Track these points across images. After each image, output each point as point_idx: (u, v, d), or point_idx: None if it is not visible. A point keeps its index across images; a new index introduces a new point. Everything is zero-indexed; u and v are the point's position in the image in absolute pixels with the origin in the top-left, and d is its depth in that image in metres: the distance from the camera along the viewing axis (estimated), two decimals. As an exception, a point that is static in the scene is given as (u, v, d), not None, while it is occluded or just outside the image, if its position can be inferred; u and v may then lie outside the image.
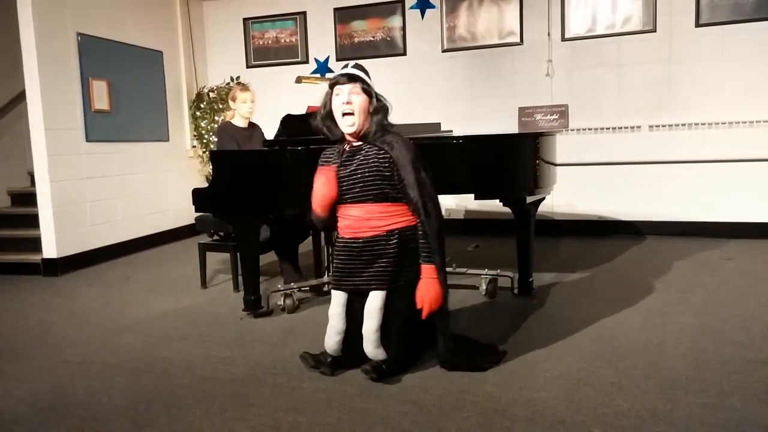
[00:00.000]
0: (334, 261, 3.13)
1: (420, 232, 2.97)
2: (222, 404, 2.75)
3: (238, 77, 7.46)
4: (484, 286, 4.27)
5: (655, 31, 6.15)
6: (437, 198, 3.02)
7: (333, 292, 3.10)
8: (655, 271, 4.81)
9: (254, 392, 2.86)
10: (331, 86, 2.99)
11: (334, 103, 2.97)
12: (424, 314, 2.92)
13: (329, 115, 3.02)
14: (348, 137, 3.03)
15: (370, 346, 2.94)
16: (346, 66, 3.02)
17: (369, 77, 3.02)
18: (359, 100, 2.93)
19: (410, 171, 2.91)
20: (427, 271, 2.95)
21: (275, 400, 2.76)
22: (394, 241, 2.97)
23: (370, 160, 2.96)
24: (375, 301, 2.96)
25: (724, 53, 5.94)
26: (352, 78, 2.93)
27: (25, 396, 2.96)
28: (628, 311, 3.81)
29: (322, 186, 3.00)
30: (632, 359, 3.04)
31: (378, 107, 2.98)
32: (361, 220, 2.99)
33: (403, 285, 2.98)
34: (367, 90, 2.95)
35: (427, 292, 2.93)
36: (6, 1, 5.82)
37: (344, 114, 2.94)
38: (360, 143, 3.03)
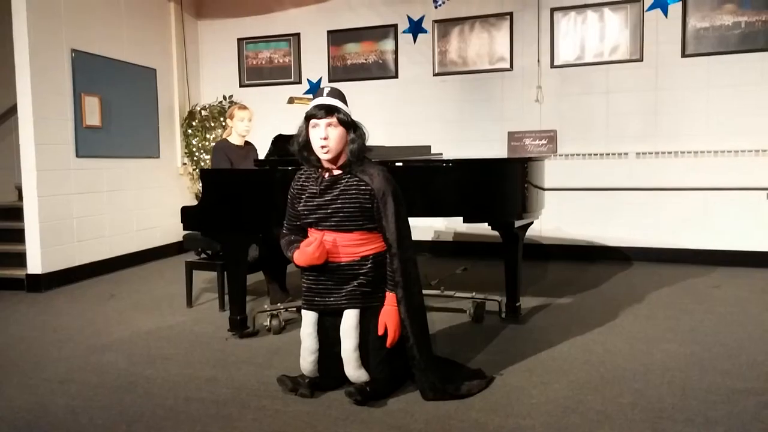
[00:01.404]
0: (304, 281, 3.08)
1: (388, 261, 2.95)
2: (205, 426, 2.71)
3: (230, 96, 7.48)
4: (471, 310, 4.26)
5: (642, 60, 6.23)
6: (410, 231, 3.03)
7: (303, 312, 3.07)
8: (642, 297, 4.82)
9: (238, 414, 2.83)
10: (307, 118, 2.94)
11: (311, 136, 2.93)
12: (389, 342, 2.91)
13: (306, 146, 2.97)
14: (326, 164, 2.98)
15: (351, 367, 2.92)
16: (321, 91, 2.96)
17: (345, 102, 2.97)
18: (336, 133, 2.89)
19: (390, 204, 2.91)
20: (391, 298, 2.94)
21: (259, 423, 2.73)
22: (369, 264, 2.97)
23: (351, 192, 2.94)
24: (349, 320, 2.94)
25: (709, 83, 6.03)
26: (328, 111, 2.89)
27: (3, 414, 2.91)
28: (615, 338, 3.82)
29: (315, 257, 2.91)
30: (619, 387, 3.04)
31: (354, 137, 2.93)
32: (336, 246, 2.96)
33: (377, 305, 2.96)
34: (345, 121, 2.91)
35: (389, 318, 2.92)
36: (1, 16, 5.83)
37: (321, 146, 2.91)
38: (339, 172, 2.99)
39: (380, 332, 2.91)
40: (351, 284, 2.96)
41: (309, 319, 3.04)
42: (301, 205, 3.03)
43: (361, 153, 2.97)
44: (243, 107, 4.98)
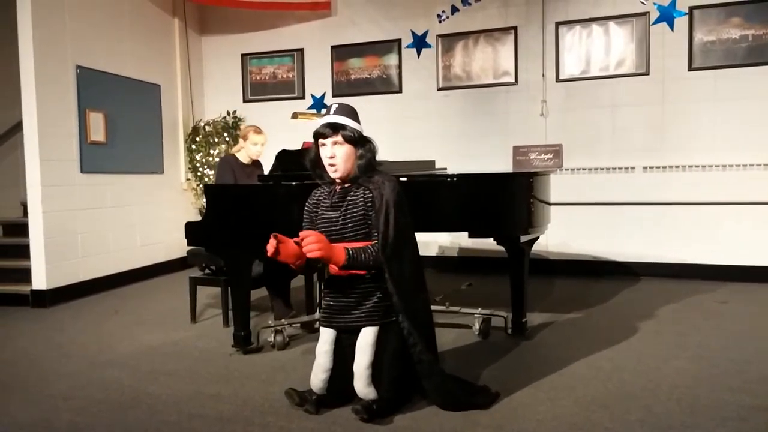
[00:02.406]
0: (324, 298, 3.11)
1: (374, 254, 2.89)
2: (208, 443, 2.69)
3: (234, 111, 7.51)
4: (477, 326, 4.23)
5: (648, 74, 6.22)
6: (414, 240, 3.00)
7: (322, 329, 3.08)
8: (650, 313, 4.78)
9: (242, 431, 2.80)
10: (315, 137, 3.00)
11: (321, 154, 2.99)
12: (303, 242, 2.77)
13: (318, 163, 3.03)
14: (337, 180, 3.04)
15: (361, 383, 2.90)
16: (329, 109, 3.01)
17: (355, 116, 3.01)
18: (342, 151, 2.94)
19: (388, 210, 2.91)
20: (342, 254, 2.83)
21: (263, 440, 2.70)
22: (385, 275, 2.95)
23: (358, 201, 2.98)
24: (367, 336, 2.93)
25: (717, 97, 6.01)
26: (334, 129, 2.93)
27: (8, 430, 2.90)
28: (623, 354, 3.78)
29: (314, 245, 2.79)
30: (627, 403, 3.00)
31: (363, 152, 2.98)
32: None
33: (395, 320, 2.95)
34: (350, 137, 2.94)
35: (327, 249, 2.79)
36: (7, 33, 5.87)
37: (329, 164, 2.97)
38: (349, 185, 3.05)
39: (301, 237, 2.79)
40: (371, 300, 2.96)
41: (327, 337, 3.03)
42: (317, 220, 3.06)
43: (369, 167, 3.01)
44: (258, 131, 4.96)
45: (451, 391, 2.96)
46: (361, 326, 2.96)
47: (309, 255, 2.76)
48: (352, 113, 3.01)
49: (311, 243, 2.75)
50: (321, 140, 2.96)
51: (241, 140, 5.02)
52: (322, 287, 3.12)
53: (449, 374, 3.22)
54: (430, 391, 2.97)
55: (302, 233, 2.82)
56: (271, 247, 2.79)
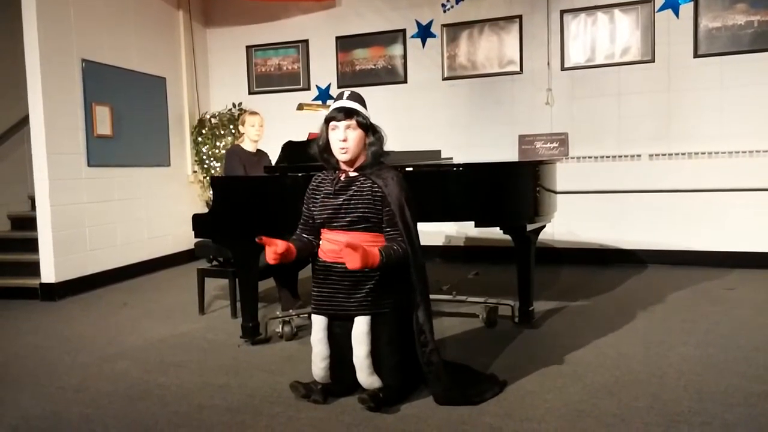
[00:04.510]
0: (313, 284, 3.09)
1: (401, 252, 2.90)
2: (218, 433, 2.71)
3: (240, 103, 7.51)
4: (484, 315, 4.23)
5: (653, 61, 6.20)
6: (418, 239, 3.00)
7: (313, 317, 3.06)
8: (657, 300, 4.78)
9: (251, 421, 2.82)
10: (327, 121, 2.99)
11: (331, 138, 2.98)
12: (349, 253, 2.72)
13: (327, 148, 3.03)
14: (344, 166, 3.03)
15: (363, 374, 2.92)
16: (341, 95, 3.02)
17: (365, 105, 3.03)
18: (354, 135, 2.94)
19: (397, 208, 2.93)
20: (374, 255, 2.79)
21: (272, 430, 2.72)
22: (410, 270, 2.97)
23: (365, 193, 2.97)
24: (361, 326, 2.93)
25: (722, 84, 5.98)
26: (347, 113, 2.93)
27: (19, 423, 2.92)
28: (630, 341, 3.78)
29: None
30: (634, 390, 3.01)
31: (373, 140, 2.99)
32: None
33: (388, 312, 2.96)
34: (363, 123, 2.95)
35: (360, 257, 2.72)
36: (12, 27, 5.88)
37: (340, 147, 2.96)
38: (356, 174, 3.03)
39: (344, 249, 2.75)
40: (362, 290, 2.95)
41: (319, 324, 3.03)
42: (316, 206, 3.05)
43: (377, 156, 3.02)
44: (253, 113, 5.05)
45: (456, 398, 2.93)
46: (352, 315, 2.95)
47: (351, 268, 2.73)
48: (363, 102, 3.04)
49: (354, 257, 2.69)
50: (333, 123, 2.96)
51: (240, 127, 5.07)
52: (312, 274, 3.11)
53: (454, 365, 3.23)
54: (436, 396, 2.95)
55: (345, 243, 2.74)
56: (273, 253, 2.83)
